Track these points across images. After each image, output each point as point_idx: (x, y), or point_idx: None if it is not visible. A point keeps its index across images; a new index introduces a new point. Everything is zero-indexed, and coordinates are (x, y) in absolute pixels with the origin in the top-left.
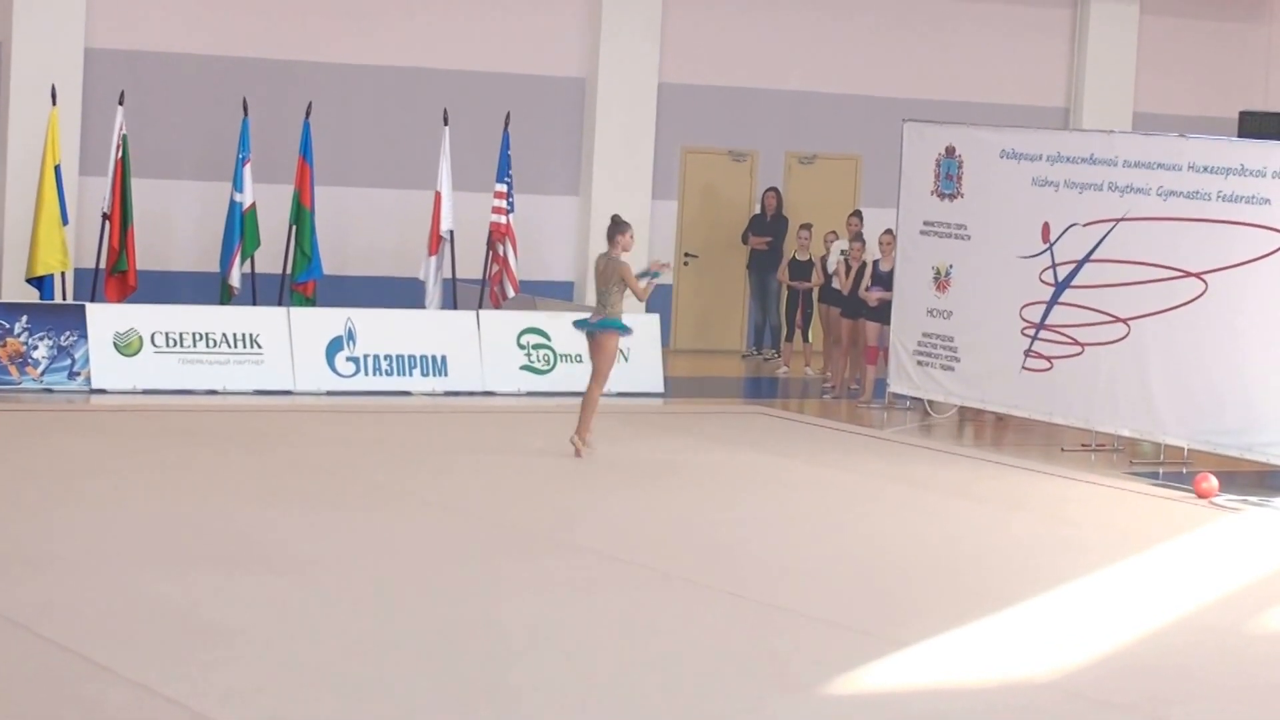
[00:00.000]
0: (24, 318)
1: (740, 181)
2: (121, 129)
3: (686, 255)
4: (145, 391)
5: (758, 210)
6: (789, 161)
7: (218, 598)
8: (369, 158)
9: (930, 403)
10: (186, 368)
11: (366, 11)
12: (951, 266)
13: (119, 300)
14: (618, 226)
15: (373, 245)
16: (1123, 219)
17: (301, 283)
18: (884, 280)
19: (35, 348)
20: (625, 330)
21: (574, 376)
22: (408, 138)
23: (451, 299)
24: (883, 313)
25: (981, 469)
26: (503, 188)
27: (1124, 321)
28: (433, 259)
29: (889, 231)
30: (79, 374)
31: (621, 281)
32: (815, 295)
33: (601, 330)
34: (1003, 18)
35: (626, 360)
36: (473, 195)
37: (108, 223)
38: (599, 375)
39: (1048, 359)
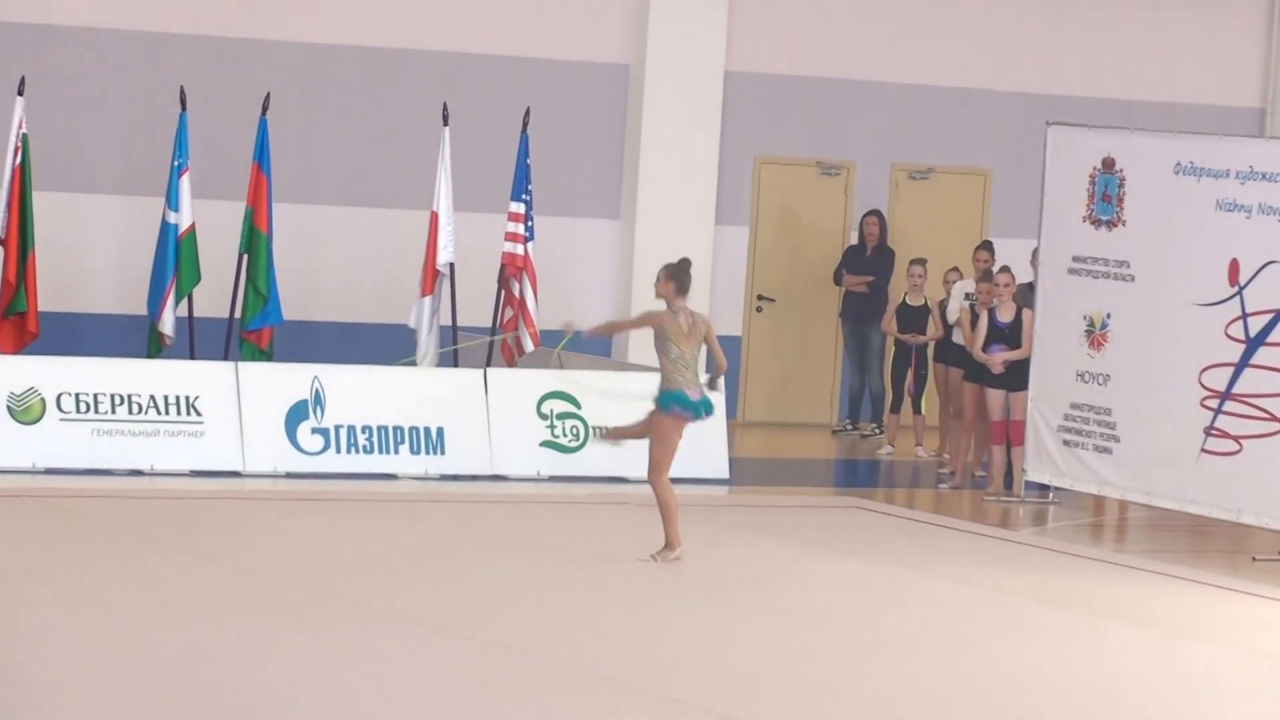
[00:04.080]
0: None
1: (832, 202)
2: (21, 126)
3: (760, 299)
4: (47, 471)
5: (855, 240)
6: (896, 176)
7: None
8: (344, 167)
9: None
10: (102, 440)
11: None
12: (1109, 316)
13: (15, 351)
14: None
15: (348, 282)
16: None
17: (254, 330)
18: (1005, 335)
19: None
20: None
21: (608, 456)
22: (396, 141)
23: (451, 353)
24: (1011, 377)
25: (1149, 584)
26: (520, 208)
27: None
28: (426, 300)
29: (1006, 269)
30: None
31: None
32: (931, 352)
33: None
34: None
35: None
36: (480, 217)
37: (2, 249)
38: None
39: (1236, 439)
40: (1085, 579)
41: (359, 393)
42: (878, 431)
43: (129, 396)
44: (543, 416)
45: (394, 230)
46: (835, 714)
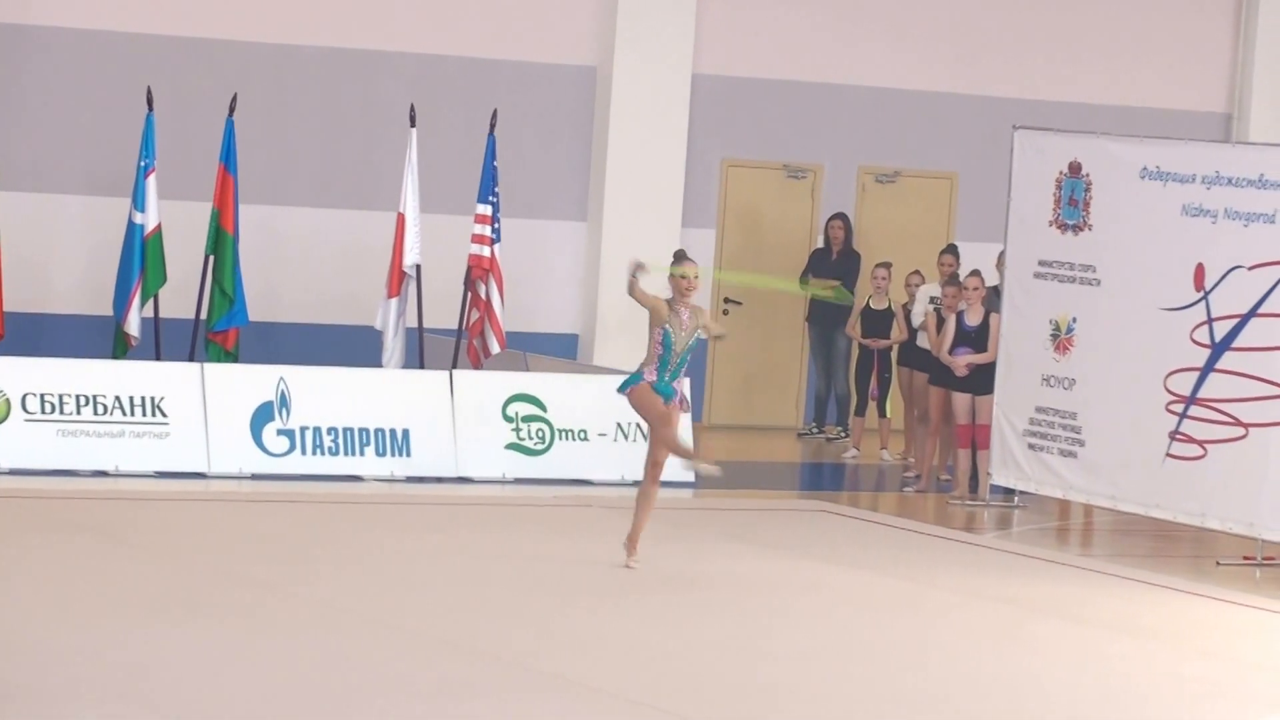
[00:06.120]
0: None
1: (799, 205)
2: None
3: (726, 302)
4: (12, 472)
5: (821, 244)
6: (862, 180)
7: None
8: (311, 168)
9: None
10: (67, 441)
11: None
12: (1075, 320)
13: None
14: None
15: (314, 283)
16: None
17: (220, 331)
18: (972, 339)
19: None
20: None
21: (574, 459)
22: (362, 142)
23: (417, 355)
24: (976, 381)
25: (1112, 588)
26: (486, 210)
27: None
28: (393, 302)
29: (976, 273)
30: None
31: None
32: (895, 356)
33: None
34: None
35: (645, 437)
36: (447, 219)
37: None
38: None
39: (1201, 444)
40: (1050, 583)
41: (325, 394)
42: (843, 435)
43: (94, 397)
44: (508, 419)
45: (360, 232)
46: (799, 717)
